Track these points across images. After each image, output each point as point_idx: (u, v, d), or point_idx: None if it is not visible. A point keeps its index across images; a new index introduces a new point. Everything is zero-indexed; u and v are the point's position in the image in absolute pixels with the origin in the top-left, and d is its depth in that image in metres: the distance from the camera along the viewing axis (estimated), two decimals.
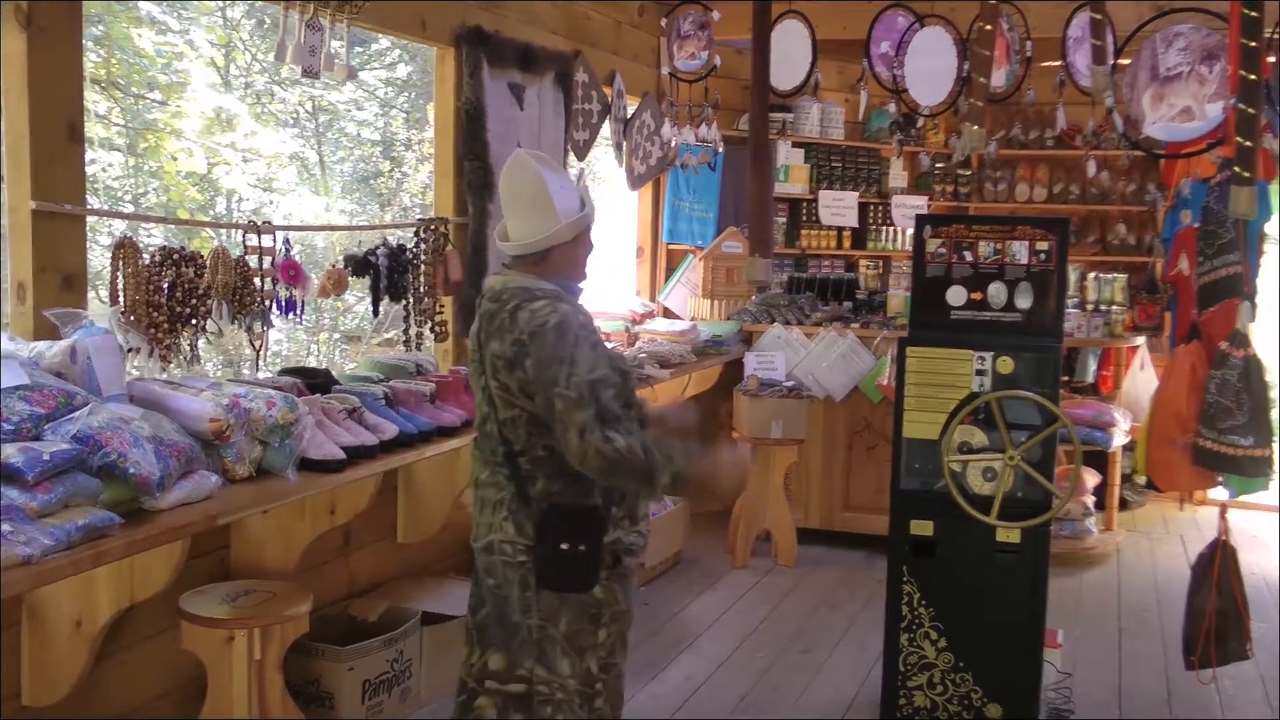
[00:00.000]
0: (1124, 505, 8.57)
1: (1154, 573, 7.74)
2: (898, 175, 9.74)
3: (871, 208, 9.67)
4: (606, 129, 7.57)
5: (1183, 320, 7.62)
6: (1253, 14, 4.70)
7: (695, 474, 3.44)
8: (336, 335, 12.72)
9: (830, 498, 8.00)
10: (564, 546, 3.44)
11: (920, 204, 9.48)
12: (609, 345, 3.80)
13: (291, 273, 4.92)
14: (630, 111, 7.87)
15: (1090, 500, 7.81)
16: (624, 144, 7.78)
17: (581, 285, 3.67)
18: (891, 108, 6.72)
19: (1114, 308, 7.88)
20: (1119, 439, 7.78)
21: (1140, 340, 8.19)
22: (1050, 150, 9.63)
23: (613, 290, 8.57)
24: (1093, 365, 8.10)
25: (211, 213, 11.15)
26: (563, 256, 3.53)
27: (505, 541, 3.51)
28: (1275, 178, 7.59)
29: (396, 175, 12.63)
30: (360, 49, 12.79)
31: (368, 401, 4.66)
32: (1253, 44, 4.67)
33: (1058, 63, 6.73)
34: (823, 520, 8.02)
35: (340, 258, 5.54)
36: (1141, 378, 8.28)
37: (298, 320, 5.12)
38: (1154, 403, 5.15)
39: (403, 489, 5.58)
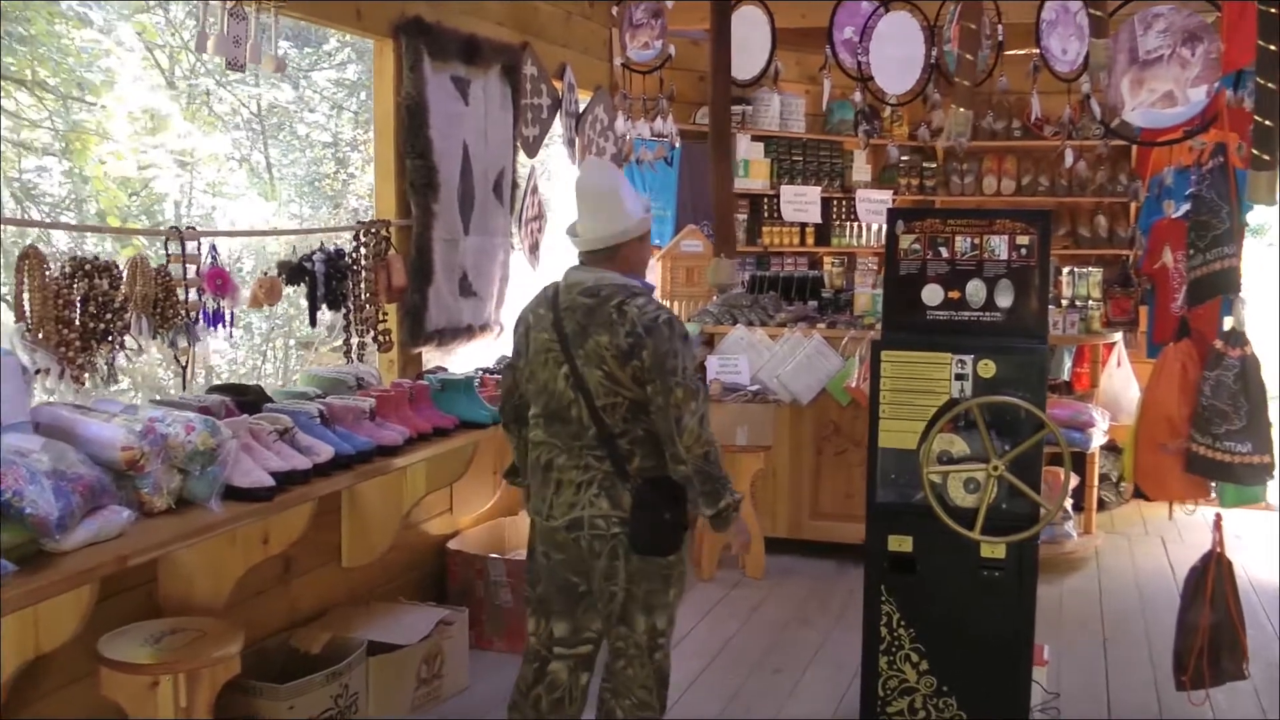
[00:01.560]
0: (1101, 506, 8.32)
1: (1135, 576, 7.48)
2: (861, 169, 9.46)
3: (835, 202, 9.37)
4: (558, 125, 7.23)
5: (1161, 315, 7.40)
6: None
7: (736, 509, 3.94)
8: (292, 341, 12.35)
9: (798, 506, 7.68)
10: (667, 516, 3.90)
11: (885, 198, 9.20)
12: None
13: (219, 282, 4.56)
14: (582, 106, 7.52)
15: (1068, 503, 7.53)
16: (576, 140, 7.43)
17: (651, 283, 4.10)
18: (856, 97, 6.40)
19: (1090, 303, 7.59)
20: (1098, 439, 7.51)
21: (1117, 336, 7.92)
22: (1019, 141, 9.36)
23: None
24: (1067, 363, 7.82)
25: (159, 220, 10.78)
26: (631, 253, 3.98)
27: (598, 516, 3.89)
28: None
29: (342, 177, 12.28)
30: (310, 49, 12.45)
31: (301, 421, 4.30)
32: (1271, 9, 4.36)
33: (1030, 50, 6.43)
34: (791, 529, 7.70)
35: (274, 265, 5.17)
36: (1118, 375, 8.02)
37: (227, 334, 4.75)
38: (1142, 405, 4.84)
39: (347, 510, 5.22)
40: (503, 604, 5.98)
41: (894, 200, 9.36)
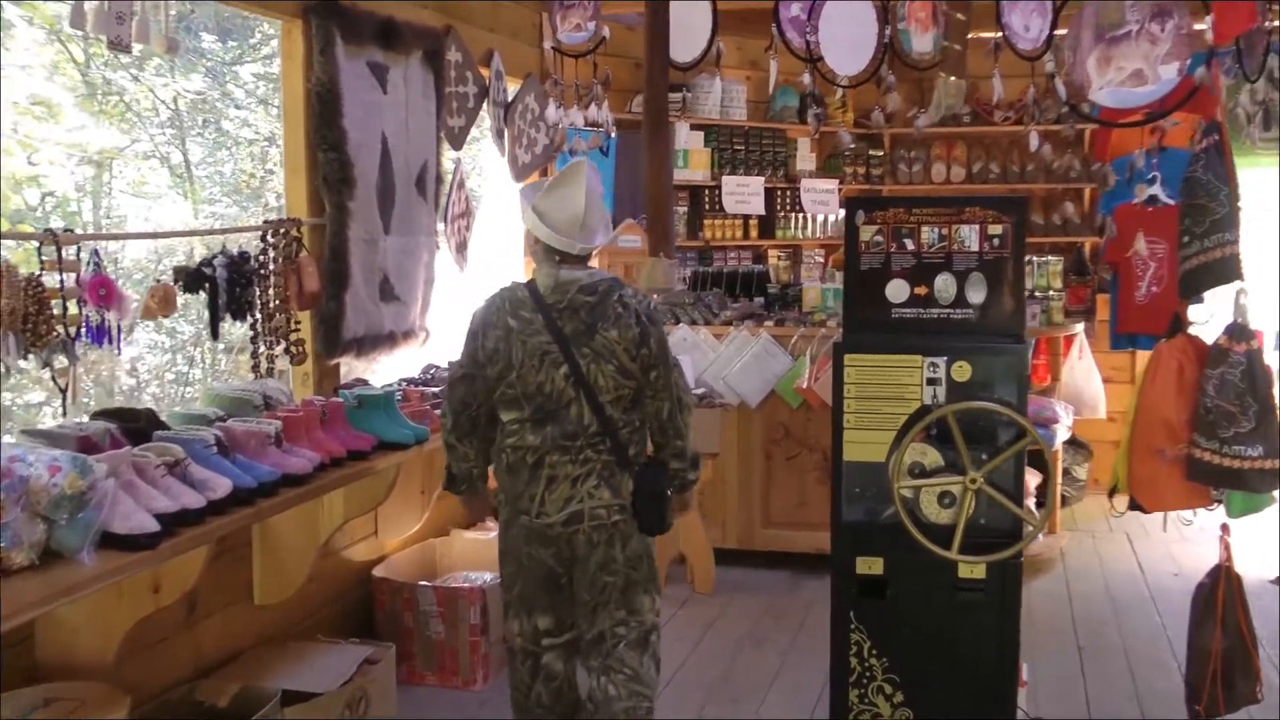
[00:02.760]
0: (1063, 502, 7.99)
1: (1104, 577, 7.13)
2: (806, 158, 9.04)
3: (779, 193, 8.94)
4: (485, 115, 6.74)
5: (1125, 305, 7.03)
6: None
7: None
8: (221, 345, 11.78)
9: (749, 515, 7.24)
10: (668, 492, 4.17)
11: (831, 187, 8.79)
12: None
13: (102, 292, 4.04)
14: (512, 95, 7.04)
15: (1032, 502, 7.15)
16: (506, 131, 6.95)
17: None
18: (805, 79, 5.93)
19: (1050, 293, 7.20)
20: (1062, 435, 7.14)
21: (1079, 328, 7.55)
22: (968, 127, 8.96)
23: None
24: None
25: (81, 223, 10.20)
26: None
27: (600, 507, 4.02)
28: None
29: (259, 174, 11.72)
30: (234, 42, 11.88)
31: (195, 451, 3.79)
32: None
33: (993, 34, 5.98)
34: (741, 540, 7.26)
35: (170, 271, 4.65)
36: (1080, 368, 7.66)
37: (115, 350, 4.22)
38: (1135, 409, 4.42)
39: (258, 544, 4.74)
40: (434, 635, 5.51)
41: (840, 190, 8.94)
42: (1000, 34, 5.63)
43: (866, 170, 9.24)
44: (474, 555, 6.14)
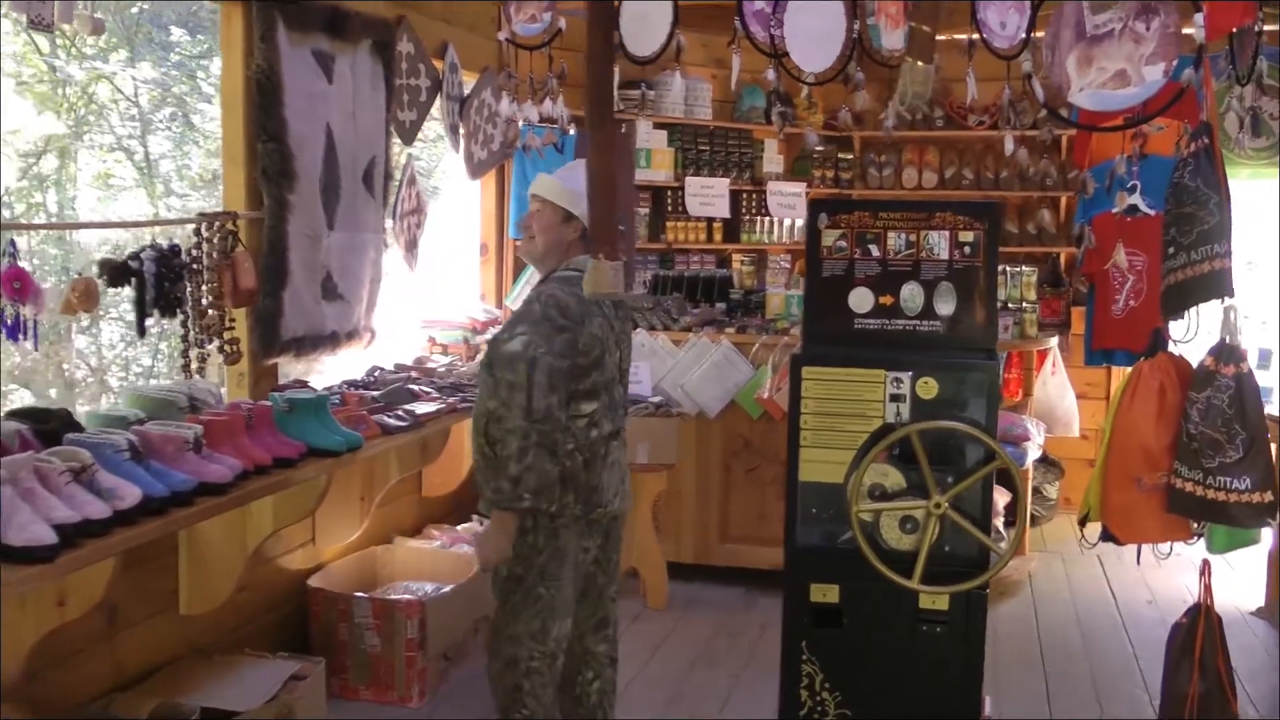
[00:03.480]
0: (1032, 521, 7.77)
1: (1073, 602, 6.90)
2: (773, 159, 8.78)
3: (744, 196, 8.68)
4: (438, 110, 6.48)
5: (1101, 318, 6.82)
6: None
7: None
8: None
9: (705, 528, 7.00)
10: None
11: (798, 191, 8.53)
12: None
13: (17, 285, 3.78)
14: (468, 89, 6.78)
15: (1000, 521, 6.93)
16: (461, 126, 6.68)
17: None
18: (770, 74, 5.67)
19: (1024, 305, 6.97)
20: (1033, 453, 6.93)
21: (1053, 342, 7.34)
22: (941, 131, 8.74)
23: (451, 295, 7.47)
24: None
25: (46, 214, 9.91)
26: None
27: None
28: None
29: (213, 167, 11.46)
30: (204, 36, 11.60)
31: (105, 456, 3.52)
32: None
33: (964, 36, 5.74)
34: (697, 554, 7.01)
35: (94, 264, 4.38)
36: (1053, 383, 7.45)
37: (31, 345, 3.95)
38: (1111, 432, 4.18)
39: (184, 551, 4.46)
40: (369, 648, 5.26)
41: (808, 193, 8.69)
42: (974, 32, 5.39)
43: (835, 174, 9.00)
44: (416, 565, 5.91)
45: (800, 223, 8.85)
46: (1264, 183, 7.02)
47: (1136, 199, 6.45)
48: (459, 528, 6.37)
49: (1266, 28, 4.59)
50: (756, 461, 6.91)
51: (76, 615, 3.55)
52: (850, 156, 8.99)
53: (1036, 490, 7.87)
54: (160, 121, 11.97)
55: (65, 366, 10.67)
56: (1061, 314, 7.65)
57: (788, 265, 8.65)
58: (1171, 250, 4.03)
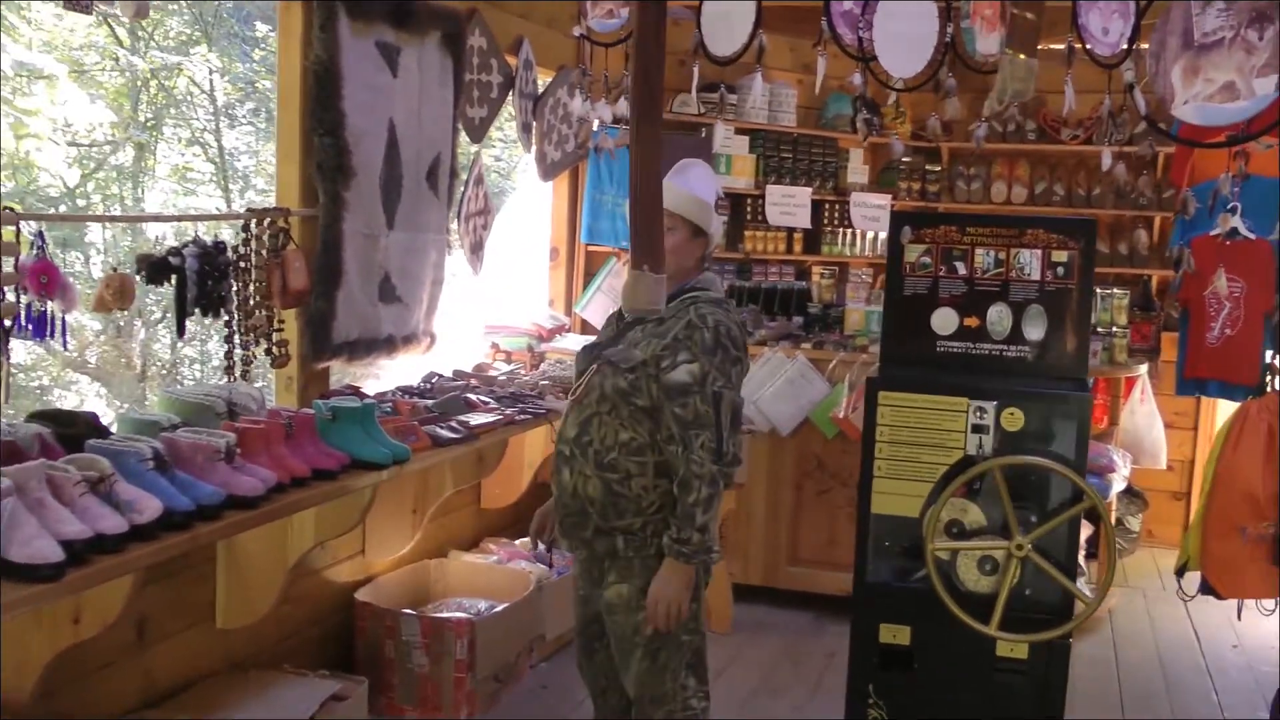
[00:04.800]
0: None
1: (1155, 643, 6.56)
2: (857, 170, 8.48)
3: (826, 206, 8.38)
4: (511, 107, 6.25)
5: (1194, 347, 6.44)
6: None
7: None
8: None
9: (774, 550, 6.73)
10: None
11: (883, 203, 8.21)
12: None
13: (44, 279, 3.59)
14: (542, 87, 6.54)
15: (1082, 555, 6.59)
16: (534, 125, 6.45)
17: None
18: (856, 79, 5.40)
19: (1114, 329, 6.63)
20: (1117, 485, 6.58)
21: (1143, 369, 6.98)
22: (1033, 144, 8.39)
23: (520, 300, 7.24)
24: None
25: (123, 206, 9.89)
26: None
27: None
28: None
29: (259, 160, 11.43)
30: (266, 27, 11.53)
31: (127, 465, 3.30)
32: None
33: (1061, 45, 5.42)
34: (765, 576, 6.75)
35: (133, 259, 4.18)
36: (1141, 412, 7.09)
37: (60, 343, 3.77)
38: (1213, 477, 3.86)
39: (223, 560, 4.27)
40: (416, 668, 5.03)
41: (893, 205, 8.38)
42: (1073, 38, 5.07)
43: (922, 186, 8.69)
44: (470, 580, 5.67)
45: (884, 236, 8.55)
46: None
47: (1236, 221, 6.10)
48: (517, 542, 6.14)
49: None
50: (829, 483, 6.64)
51: (92, 634, 3.36)
52: (938, 168, 8.68)
53: (1119, 522, 7.52)
54: (243, 117, 11.94)
55: (133, 361, 10.63)
56: (1152, 339, 7.28)
57: (869, 280, 8.35)
58: None
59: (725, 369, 3.45)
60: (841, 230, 8.42)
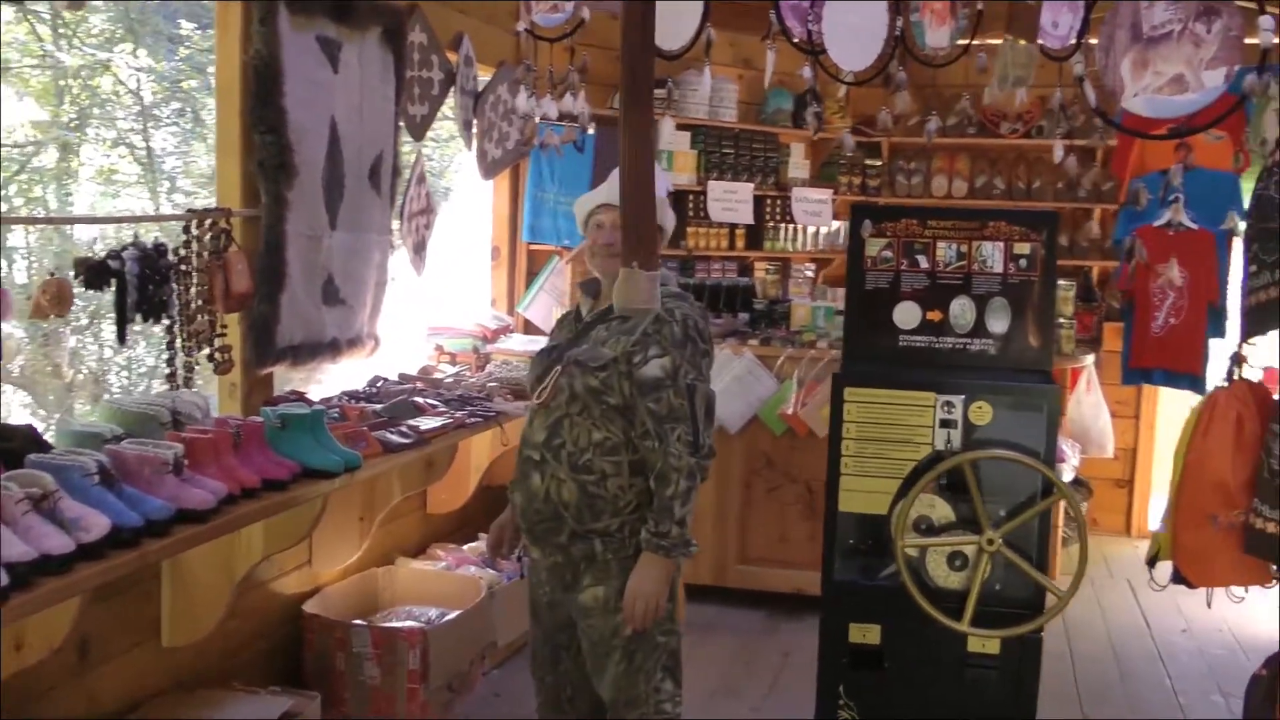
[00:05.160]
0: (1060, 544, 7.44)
1: (1107, 631, 6.56)
2: (798, 164, 8.44)
3: (768, 202, 8.32)
4: (451, 105, 6.13)
5: (1139, 336, 6.47)
6: None
7: None
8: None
9: (723, 549, 6.65)
10: None
11: (824, 197, 8.19)
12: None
13: None
14: (483, 84, 6.43)
15: None
16: (474, 123, 6.34)
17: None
18: (806, 72, 5.34)
19: (1061, 321, 6.62)
20: (1066, 475, 6.58)
21: (1089, 359, 6.99)
22: (973, 138, 8.39)
23: (462, 301, 7.13)
24: None
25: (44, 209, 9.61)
26: None
27: None
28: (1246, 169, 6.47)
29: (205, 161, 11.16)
30: (212, 30, 11.31)
31: (71, 480, 3.16)
32: None
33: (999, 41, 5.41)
34: (715, 575, 6.67)
35: (70, 264, 4.02)
36: (1088, 402, 7.10)
37: None
38: (1182, 467, 3.83)
39: (167, 578, 4.13)
40: (368, 679, 4.91)
41: (833, 200, 8.35)
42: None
43: (863, 180, 8.66)
44: (419, 587, 5.55)
45: (825, 230, 8.53)
46: None
47: (1181, 212, 6.13)
48: (465, 547, 6.03)
49: None
50: (778, 480, 6.58)
51: (36, 660, 3.22)
52: (878, 163, 8.65)
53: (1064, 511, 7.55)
54: (168, 117, 11.69)
55: (63, 369, 10.37)
56: (1094, 330, 7.31)
57: (812, 274, 8.32)
58: (1254, 268, 3.68)
59: (696, 361, 3.41)
60: (784, 226, 8.37)
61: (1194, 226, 6.15)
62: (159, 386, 8.82)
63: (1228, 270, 6.36)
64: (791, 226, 8.36)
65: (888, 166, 8.67)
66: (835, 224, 8.51)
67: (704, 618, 6.47)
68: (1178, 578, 3.93)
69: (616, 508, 3.43)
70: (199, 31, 10.94)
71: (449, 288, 7.16)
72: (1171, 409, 8.41)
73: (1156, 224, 6.23)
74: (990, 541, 3.51)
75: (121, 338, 4.08)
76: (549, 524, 3.49)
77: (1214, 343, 6.29)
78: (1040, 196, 8.23)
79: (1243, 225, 6.01)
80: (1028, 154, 8.42)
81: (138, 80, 11.13)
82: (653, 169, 3.18)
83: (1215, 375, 6.00)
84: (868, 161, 8.63)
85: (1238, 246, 5.84)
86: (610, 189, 3.57)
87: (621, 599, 3.43)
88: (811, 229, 8.43)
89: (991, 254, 3.80)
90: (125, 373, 11.12)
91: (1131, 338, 6.55)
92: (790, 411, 6.36)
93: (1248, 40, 4.63)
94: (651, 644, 3.52)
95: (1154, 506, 8.33)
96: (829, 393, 6.22)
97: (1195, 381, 6.29)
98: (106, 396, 4.11)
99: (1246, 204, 5.97)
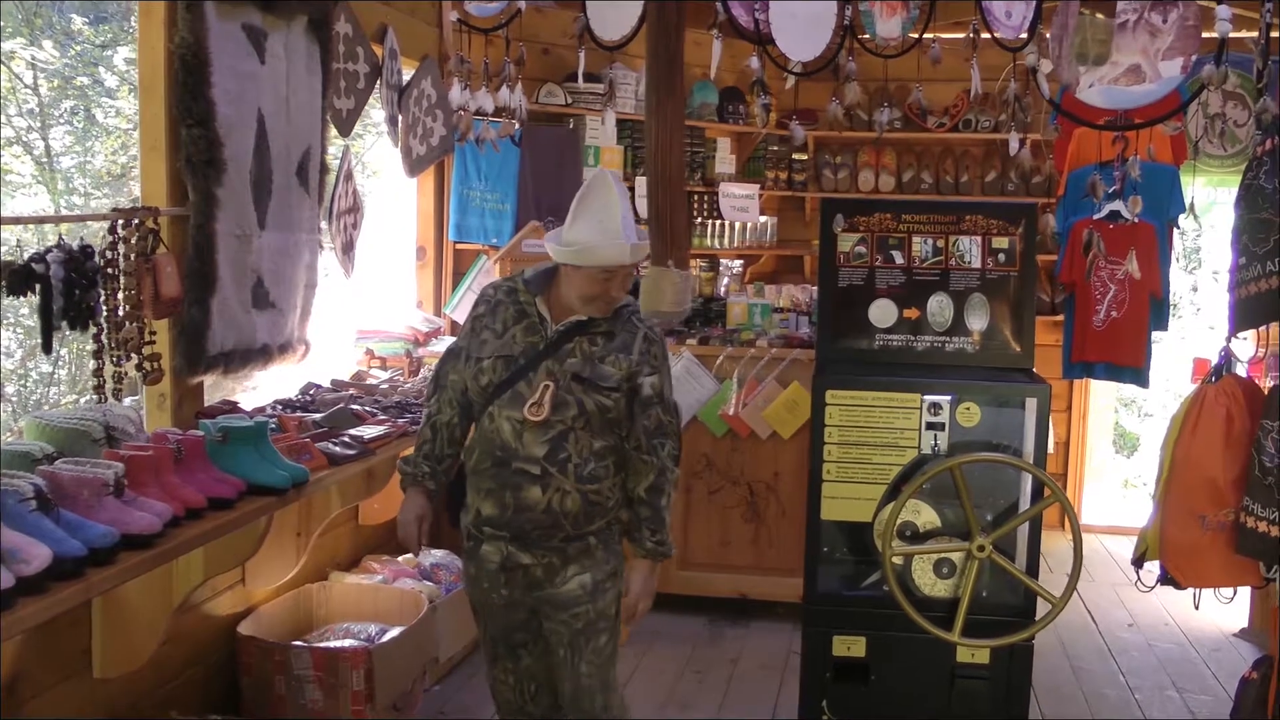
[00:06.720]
0: None
1: (1054, 626, 6.40)
2: (725, 159, 8.29)
3: (695, 198, 8.15)
4: (376, 98, 5.88)
5: (1080, 330, 6.39)
6: None
7: None
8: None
9: None
10: None
11: (750, 192, 8.06)
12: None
13: None
14: (407, 78, 6.19)
15: None
16: (399, 118, 6.09)
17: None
18: (754, 62, 5.18)
19: None
20: None
21: None
22: (899, 133, 8.28)
23: (389, 303, 6.87)
24: None
25: None
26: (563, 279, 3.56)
27: None
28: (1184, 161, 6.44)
29: (122, 159, 10.78)
30: (106, 25, 10.89)
31: (8, 507, 2.89)
32: None
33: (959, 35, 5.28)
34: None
35: None
36: None
37: None
38: (1170, 464, 3.71)
39: (98, 607, 3.85)
40: (310, 703, 4.66)
41: (760, 195, 8.21)
42: (977, 21, 4.93)
43: (789, 175, 8.54)
44: (356, 603, 5.31)
45: (752, 226, 8.39)
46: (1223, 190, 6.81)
47: (1119, 204, 6.07)
48: (400, 559, 5.78)
49: (1234, 35, 4.20)
50: (719, 483, 6.43)
51: None
52: (804, 157, 8.52)
53: None
54: (61, 116, 11.28)
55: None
56: None
57: (740, 271, 8.17)
58: (1244, 260, 3.56)
59: (670, 378, 3.66)
60: (711, 222, 8.21)
61: (1133, 219, 6.09)
62: (68, 398, 8.45)
63: (1169, 263, 6.33)
64: (718, 223, 8.20)
65: (814, 160, 8.55)
66: (762, 219, 8.38)
67: (647, 625, 6.26)
68: (1166, 578, 3.82)
69: (606, 508, 3.59)
70: (90, 27, 10.55)
71: (374, 289, 6.91)
72: (1103, 400, 8.41)
73: (1097, 216, 6.16)
74: (981, 548, 3.38)
75: (47, 347, 3.79)
76: (544, 530, 3.54)
77: (1155, 335, 6.27)
78: (967, 190, 8.16)
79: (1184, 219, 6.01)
80: (954, 148, 8.35)
81: (35, 77, 10.72)
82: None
83: (1158, 368, 5.99)
84: (794, 156, 8.50)
85: (1177, 238, 5.81)
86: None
87: (608, 581, 3.65)
88: (739, 225, 8.28)
89: (969, 248, 3.67)
90: (21, 383, 10.68)
91: (1073, 332, 6.47)
92: (731, 412, 6.21)
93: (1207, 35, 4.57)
94: (614, 632, 3.77)
95: (1088, 498, 8.32)
96: (770, 393, 6.18)
97: (1139, 375, 6.24)
98: (38, 412, 3.83)
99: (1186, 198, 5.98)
